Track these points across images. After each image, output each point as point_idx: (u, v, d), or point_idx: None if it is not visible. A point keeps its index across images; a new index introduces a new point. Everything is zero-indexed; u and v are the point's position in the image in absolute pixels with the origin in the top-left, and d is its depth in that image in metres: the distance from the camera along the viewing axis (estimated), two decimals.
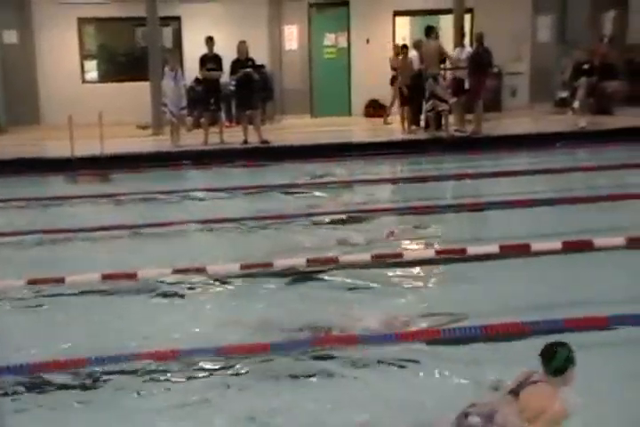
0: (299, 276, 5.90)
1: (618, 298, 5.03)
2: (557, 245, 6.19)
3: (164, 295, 5.70)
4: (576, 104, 13.86)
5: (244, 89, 12.70)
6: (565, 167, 10.09)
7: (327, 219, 7.94)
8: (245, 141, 12.45)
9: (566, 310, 4.76)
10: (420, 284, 5.74)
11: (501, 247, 6.12)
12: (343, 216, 7.96)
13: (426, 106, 12.83)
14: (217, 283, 5.92)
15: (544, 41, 15.62)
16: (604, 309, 4.77)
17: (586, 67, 13.76)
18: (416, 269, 6.11)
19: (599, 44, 14.63)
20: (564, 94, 14.72)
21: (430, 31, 13.03)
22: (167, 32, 15.39)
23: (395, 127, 13.79)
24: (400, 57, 13.46)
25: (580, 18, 15.05)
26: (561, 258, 6.06)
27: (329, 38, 15.80)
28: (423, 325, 4.82)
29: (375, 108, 15.51)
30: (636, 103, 14.15)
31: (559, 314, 4.63)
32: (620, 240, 6.20)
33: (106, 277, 5.85)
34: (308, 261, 6.04)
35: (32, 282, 5.78)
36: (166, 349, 4.51)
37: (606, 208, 7.83)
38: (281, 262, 6.07)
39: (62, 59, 15.09)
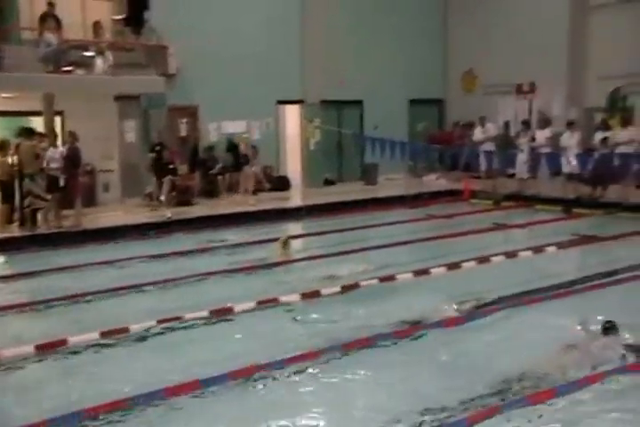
0: None
1: None
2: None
3: None
4: (162, 197, 14.87)
5: None
6: (162, 253, 10.91)
7: None
8: None
9: None
10: None
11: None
12: None
13: (23, 203, 12.46)
14: None
15: (130, 141, 16.02)
16: None
17: (171, 166, 14.87)
18: None
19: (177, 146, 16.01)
20: (151, 189, 15.27)
21: (24, 132, 12.73)
22: None
23: None
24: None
25: (160, 123, 16.03)
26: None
27: None
28: None
29: None
30: (210, 196, 16.11)
31: None
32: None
33: None
34: None
35: None
36: None
37: None
38: None
39: None
